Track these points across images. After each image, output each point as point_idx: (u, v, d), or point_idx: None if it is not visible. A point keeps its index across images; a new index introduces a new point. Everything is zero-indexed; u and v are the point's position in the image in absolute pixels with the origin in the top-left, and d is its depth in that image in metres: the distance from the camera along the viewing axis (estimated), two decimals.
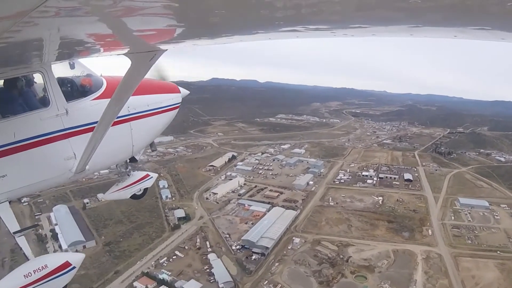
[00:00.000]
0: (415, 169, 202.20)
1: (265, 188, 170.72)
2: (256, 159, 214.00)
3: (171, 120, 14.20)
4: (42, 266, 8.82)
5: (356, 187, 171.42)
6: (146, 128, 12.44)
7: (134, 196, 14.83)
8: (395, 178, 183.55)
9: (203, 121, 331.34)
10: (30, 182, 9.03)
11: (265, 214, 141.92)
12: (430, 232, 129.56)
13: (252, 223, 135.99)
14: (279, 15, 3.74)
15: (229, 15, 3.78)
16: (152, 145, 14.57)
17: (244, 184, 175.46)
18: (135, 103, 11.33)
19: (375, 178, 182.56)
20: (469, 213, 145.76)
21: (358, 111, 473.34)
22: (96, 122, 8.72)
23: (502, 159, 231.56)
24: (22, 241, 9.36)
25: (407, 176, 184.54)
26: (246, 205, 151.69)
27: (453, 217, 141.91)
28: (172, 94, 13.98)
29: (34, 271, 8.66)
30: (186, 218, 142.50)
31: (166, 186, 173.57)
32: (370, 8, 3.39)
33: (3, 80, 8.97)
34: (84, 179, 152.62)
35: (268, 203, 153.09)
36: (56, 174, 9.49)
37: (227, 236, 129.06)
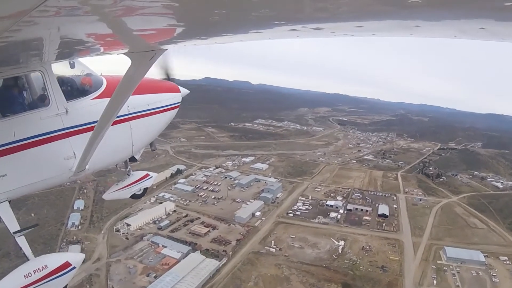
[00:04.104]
0: (395, 198, 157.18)
1: (198, 218, 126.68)
2: (204, 175, 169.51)
3: (171, 119, 13.46)
4: (42, 267, 8.51)
5: (314, 224, 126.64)
6: (146, 127, 11.83)
7: (134, 196, 14.22)
8: (367, 211, 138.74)
9: (172, 123, 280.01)
10: (30, 181, 8.64)
11: (178, 262, 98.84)
12: None
13: (155, 276, 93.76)
14: (279, 15, 3.74)
15: (229, 15, 3.65)
16: (152, 144, 13.90)
17: (174, 211, 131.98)
18: (135, 102, 10.76)
19: (341, 211, 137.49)
20: (458, 272, 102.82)
21: (346, 119, 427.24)
22: (96, 122, 8.34)
23: (499, 185, 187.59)
24: (22, 241, 8.80)
25: (382, 209, 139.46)
26: (160, 245, 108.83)
27: (435, 281, 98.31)
28: (172, 93, 13.13)
29: (34, 271, 8.36)
30: None
31: (82, 207, 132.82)
32: (370, 7, 3.33)
33: (3, 79, 8.62)
34: None
35: (190, 243, 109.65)
36: (56, 174, 9.09)
37: None
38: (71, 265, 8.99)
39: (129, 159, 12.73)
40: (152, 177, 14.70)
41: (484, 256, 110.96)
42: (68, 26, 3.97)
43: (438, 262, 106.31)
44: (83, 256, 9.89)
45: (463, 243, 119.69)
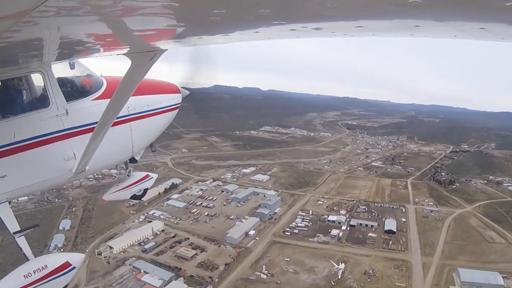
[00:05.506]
0: (403, 210, 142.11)
1: (186, 239, 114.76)
2: (200, 189, 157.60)
3: (172, 120, 13.22)
4: (42, 267, 8.45)
5: (313, 243, 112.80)
6: (146, 128, 11.63)
7: (134, 196, 13.98)
8: (372, 227, 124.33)
9: (175, 133, 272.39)
10: (30, 182, 8.42)
11: None
12: None
13: None
14: (279, 15, 3.74)
15: (229, 15, 3.63)
16: (152, 145, 13.38)
17: (162, 231, 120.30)
18: (135, 103, 10.62)
19: (343, 227, 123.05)
20: None
21: (355, 123, 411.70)
22: (96, 123, 8.15)
23: None
24: (22, 241, 8.68)
25: (389, 224, 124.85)
26: (141, 270, 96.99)
27: None
28: (172, 94, 12.92)
29: (34, 271, 8.29)
30: None
31: (67, 228, 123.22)
32: (370, 7, 3.33)
33: (3, 80, 8.38)
34: None
35: (174, 269, 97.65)
36: (56, 175, 8.89)
37: None
38: (71, 265, 8.84)
39: (129, 160, 12.32)
40: (152, 178, 14.27)
41: (503, 277, 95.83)
42: (68, 27, 3.95)
43: (451, 287, 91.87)
44: (82, 256, 9.77)
45: (479, 262, 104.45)
